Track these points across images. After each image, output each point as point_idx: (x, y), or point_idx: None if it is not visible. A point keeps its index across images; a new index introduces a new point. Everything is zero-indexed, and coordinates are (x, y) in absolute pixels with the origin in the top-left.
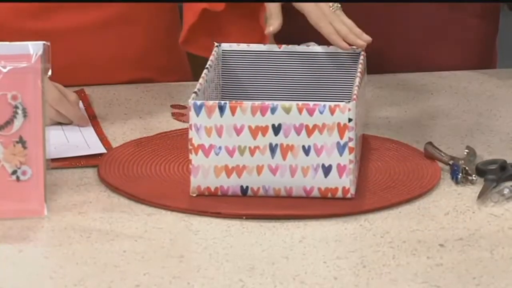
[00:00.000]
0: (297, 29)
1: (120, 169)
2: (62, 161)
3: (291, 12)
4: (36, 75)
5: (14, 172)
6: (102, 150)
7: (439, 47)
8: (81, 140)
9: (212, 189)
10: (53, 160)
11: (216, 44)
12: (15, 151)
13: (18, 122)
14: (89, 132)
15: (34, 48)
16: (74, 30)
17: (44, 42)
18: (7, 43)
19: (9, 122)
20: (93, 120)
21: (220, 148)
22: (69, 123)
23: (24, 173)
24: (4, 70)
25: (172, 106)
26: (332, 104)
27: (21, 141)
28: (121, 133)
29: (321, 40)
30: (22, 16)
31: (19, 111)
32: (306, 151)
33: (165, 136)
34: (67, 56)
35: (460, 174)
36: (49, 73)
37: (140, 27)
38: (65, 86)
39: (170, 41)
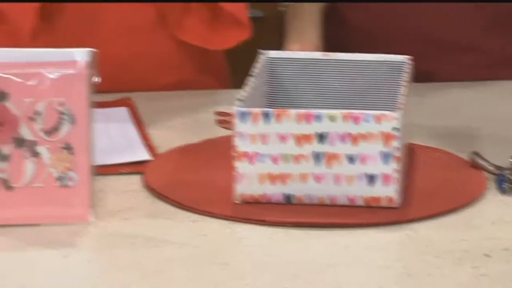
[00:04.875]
0: (343, 36)
1: (165, 176)
2: (108, 167)
3: (337, 18)
4: (83, 81)
5: (61, 178)
6: (148, 156)
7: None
8: (127, 147)
9: (256, 197)
10: (99, 166)
11: (261, 51)
12: (61, 157)
13: (65, 128)
14: (135, 139)
15: (80, 54)
16: (118, 34)
17: (90, 48)
18: (54, 49)
19: (56, 128)
20: (139, 126)
21: (264, 155)
22: None
23: (70, 179)
24: (51, 77)
25: (217, 113)
26: (378, 113)
27: (68, 147)
28: (166, 140)
29: (368, 47)
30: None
31: (66, 117)
32: (351, 159)
33: (209, 143)
34: (112, 62)
35: (506, 183)
36: (97, 79)
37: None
38: (110, 92)
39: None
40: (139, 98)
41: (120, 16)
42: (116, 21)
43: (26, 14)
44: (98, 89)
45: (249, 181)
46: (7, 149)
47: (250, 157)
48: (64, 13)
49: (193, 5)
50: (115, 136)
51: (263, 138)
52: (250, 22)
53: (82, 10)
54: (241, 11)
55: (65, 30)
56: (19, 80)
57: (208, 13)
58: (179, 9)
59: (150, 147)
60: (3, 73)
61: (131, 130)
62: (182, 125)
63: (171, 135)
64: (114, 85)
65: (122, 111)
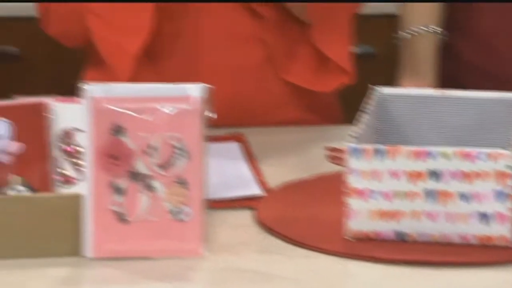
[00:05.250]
0: (457, 73)
1: (277, 211)
2: (220, 202)
3: (452, 54)
4: (197, 117)
5: (174, 212)
6: (259, 191)
7: None
8: (239, 181)
9: (368, 233)
10: (211, 200)
11: (374, 87)
12: (176, 191)
13: (179, 163)
14: (247, 174)
15: (195, 90)
16: (226, 73)
17: (205, 84)
18: (170, 85)
19: (171, 162)
20: (251, 161)
21: (376, 192)
22: None
23: (184, 213)
24: (167, 112)
25: (328, 149)
26: (492, 151)
27: (182, 182)
28: (278, 175)
29: (482, 84)
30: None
31: (180, 152)
32: (464, 198)
33: (321, 179)
34: (224, 97)
35: None
36: (211, 114)
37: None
38: (222, 127)
39: None
40: (251, 133)
41: (229, 56)
42: (225, 61)
43: (125, 60)
44: (211, 124)
45: (360, 217)
46: (122, 183)
47: (361, 194)
48: (171, 53)
49: (299, 50)
50: (227, 171)
51: (375, 174)
52: (354, 68)
53: (191, 50)
54: (345, 59)
55: (171, 69)
56: (135, 114)
57: (313, 58)
58: (285, 54)
59: (261, 182)
60: (120, 108)
61: (243, 165)
62: (293, 160)
63: (283, 170)
64: (225, 120)
65: (234, 146)
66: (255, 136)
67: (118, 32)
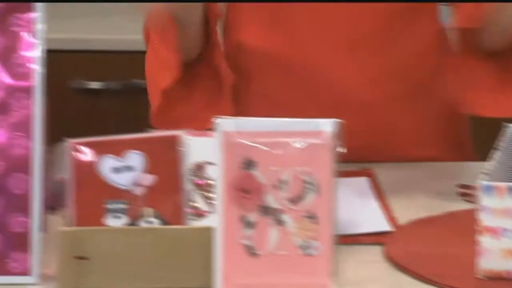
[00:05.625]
0: None
1: (406, 247)
2: (349, 237)
3: None
4: (329, 152)
5: (304, 247)
6: (388, 227)
7: None
8: (368, 217)
9: (500, 272)
10: (340, 235)
11: (506, 124)
12: (305, 225)
13: (309, 198)
14: (376, 209)
15: (327, 125)
16: (364, 105)
17: (337, 119)
18: (301, 119)
19: (301, 197)
20: (379, 196)
21: (509, 230)
22: None
23: (313, 247)
24: (298, 146)
25: (460, 186)
26: None
27: (312, 216)
28: (407, 211)
29: None
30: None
31: (311, 187)
32: None
33: (451, 216)
34: (355, 132)
35: None
36: (342, 150)
37: (435, 102)
38: (352, 162)
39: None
40: (381, 169)
41: (361, 91)
42: (357, 96)
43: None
44: (341, 159)
45: (493, 256)
46: (253, 216)
47: (494, 232)
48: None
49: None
50: (356, 206)
51: (508, 212)
52: None
53: (325, 85)
54: None
55: (304, 103)
56: (266, 149)
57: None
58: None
59: (390, 218)
60: (251, 142)
61: (372, 201)
62: (423, 196)
63: (412, 206)
64: (355, 156)
65: (364, 181)
66: (385, 171)
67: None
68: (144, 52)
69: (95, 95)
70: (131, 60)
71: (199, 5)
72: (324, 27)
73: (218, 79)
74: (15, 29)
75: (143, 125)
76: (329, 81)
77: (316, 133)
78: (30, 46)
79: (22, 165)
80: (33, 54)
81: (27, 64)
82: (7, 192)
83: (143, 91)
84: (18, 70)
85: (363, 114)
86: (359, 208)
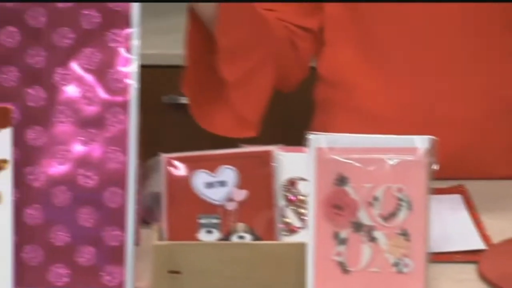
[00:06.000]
0: None
1: (500, 266)
2: (441, 254)
3: None
4: (423, 169)
5: (396, 264)
6: (482, 245)
7: None
8: (461, 235)
9: None
10: (432, 253)
11: None
12: (398, 243)
13: (402, 215)
14: (469, 227)
15: (420, 142)
16: (458, 122)
17: (431, 136)
18: (396, 136)
19: (394, 214)
20: (472, 214)
21: None
22: None
23: (405, 265)
24: (391, 163)
25: None
26: None
27: (405, 234)
28: (501, 229)
29: None
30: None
31: (404, 204)
32: None
33: None
34: (449, 149)
35: None
36: (435, 167)
37: None
38: (445, 179)
39: None
40: (473, 186)
41: (455, 108)
42: (451, 113)
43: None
44: (434, 176)
45: None
46: (345, 233)
47: None
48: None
49: None
50: (449, 223)
51: None
52: None
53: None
54: None
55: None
56: (359, 165)
57: None
58: None
59: (484, 236)
60: (344, 158)
61: (465, 218)
62: None
63: (505, 224)
64: (448, 173)
65: (457, 198)
66: (478, 188)
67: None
68: None
69: (186, 110)
70: None
71: None
72: (417, 44)
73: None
74: (112, 44)
75: (234, 140)
76: (421, 97)
77: (410, 150)
78: (126, 61)
79: (118, 179)
80: (129, 69)
81: (123, 80)
82: (103, 206)
83: None
84: (114, 85)
85: (458, 131)
86: (452, 225)
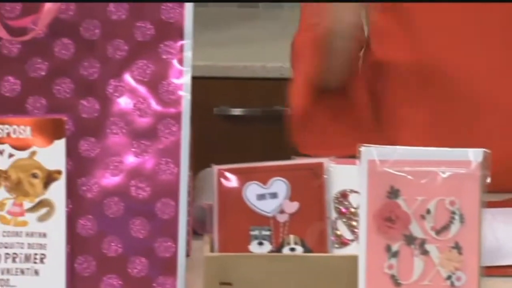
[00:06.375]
0: None
1: None
2: (495, 268)
3: None
4: (476, 182)
5: (449, 277)
6: None
7: None
8: None
9: None
10: (486, 267)
11: None
12: (450, 256)
13: (454, 228)
14: None
15: (474, 154)
16: (509, 134)
17: (484, 149)
18: (449, 149)
19: (446, 227)
20: None
21: None
22: None
23: (458, 279)
24: (443, 176)
25: None
26: None
27: (457, 247)
28: None
29: None
30: None
31: (456, 217)
32: None
33: None
34: (501, 161)
35: None
36: (488, 180)
37: None
38: (497, 192)
39: None
40: None
41: (506, 119)
42: (502, 125)
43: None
44: (487, 189)
45: None
46: (397, 245)
47: None
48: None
49: None
50: (502, 237)
51: None
52: None
53: (471, 114)
54: None
55: (450, 132)
56: (411, 178)
57: None
58: None
59: None
60: (397, 171)
61: None
62: None
63: None
64: (501, 185)
65: (509, 212)
66: None
67: None
68: (285, 80)
69: (237, 121)
70: (272, 87)
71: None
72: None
73: (357, 108)
74: (165, 56)
75: (286, 152)
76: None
77: (463, 163)
78: (179, 73)
79: (170, 191)
80: (181, 81)
81: (176, 91)
82: (155, 217)
83: (284, 118)
84: (167, 97)
85: (509, 143)
86: (505, 238)
